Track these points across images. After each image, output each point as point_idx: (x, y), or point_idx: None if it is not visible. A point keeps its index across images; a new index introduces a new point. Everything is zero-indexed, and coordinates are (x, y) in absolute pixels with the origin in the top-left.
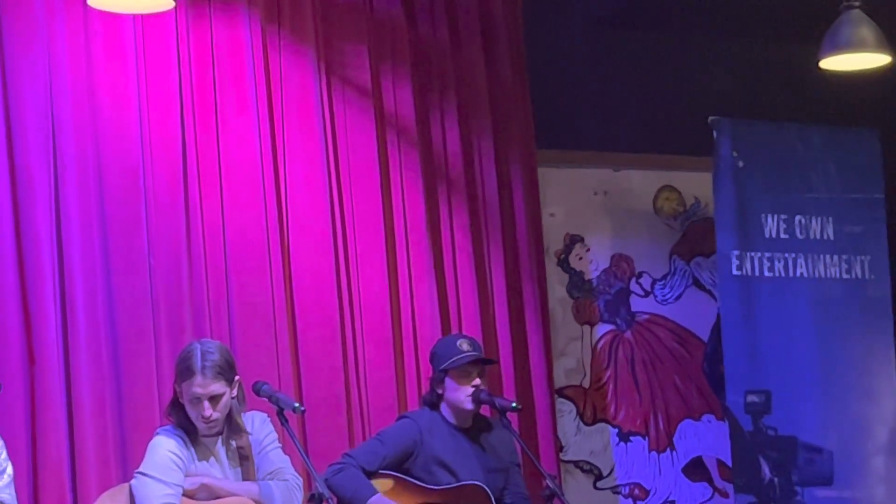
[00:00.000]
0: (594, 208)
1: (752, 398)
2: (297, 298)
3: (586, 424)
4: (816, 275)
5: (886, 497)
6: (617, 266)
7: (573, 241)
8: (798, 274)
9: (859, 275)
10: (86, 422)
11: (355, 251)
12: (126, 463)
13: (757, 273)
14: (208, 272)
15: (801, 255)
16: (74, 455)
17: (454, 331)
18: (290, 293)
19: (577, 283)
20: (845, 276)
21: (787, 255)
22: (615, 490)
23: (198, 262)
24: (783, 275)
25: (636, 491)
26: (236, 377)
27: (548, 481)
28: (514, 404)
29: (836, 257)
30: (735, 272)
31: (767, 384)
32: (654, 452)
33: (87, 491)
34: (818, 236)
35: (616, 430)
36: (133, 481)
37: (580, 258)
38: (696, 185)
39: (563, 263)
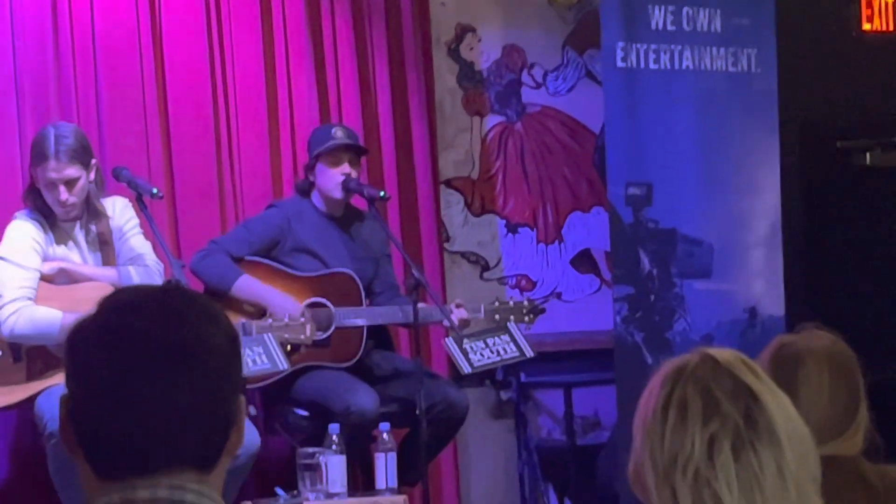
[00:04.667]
0: None
1: (632, 190)
2: (169, 82)
3: (474, 216)
4: (702, 67)
5: (765, 289)
6: (508, 57)
7: (464, 31)
8: (684, 66)
9: (745, 68)
10: None
11: (230, 35)
12: None
13: (642, 65)
14: (76, 54)
15: (687, 48)
16: None
17: (334, 121)
18: (161, 77)
19: (468, 73)
20: (731, 69)
21: (673, 46)
22: (501, 281)
23: (64, 44)
24: (669, 67)
25: (523, 282)
26: (93, 161)
27: (413, 271)
28: (381, 193)
29: (722, 50)
30: (620, 64)
31: (649, 177)
32: (541, 244)
33: None
34: (705, 28)
35: (504, 222)
36: None
37: (471, 48)
38: None
39: (454, 53)
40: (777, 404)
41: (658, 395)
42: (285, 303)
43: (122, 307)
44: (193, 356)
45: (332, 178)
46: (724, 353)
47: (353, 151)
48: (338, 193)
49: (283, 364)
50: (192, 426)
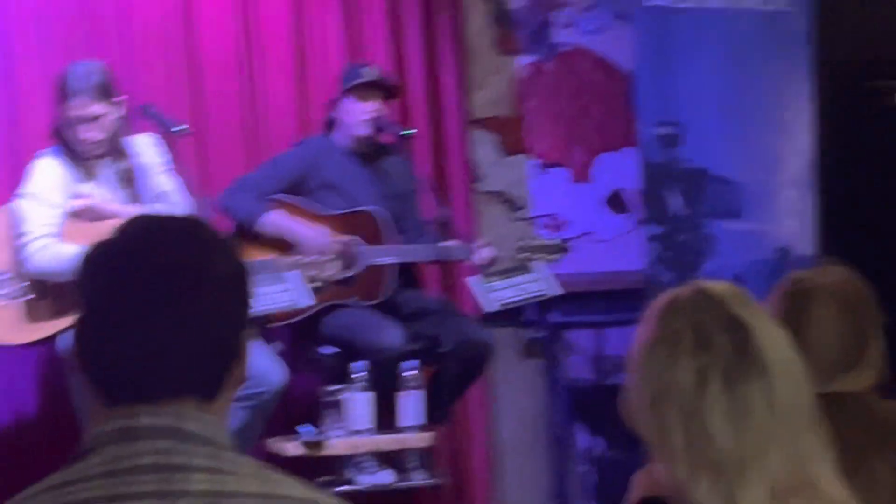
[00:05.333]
0: None
1: (662, 130)
2: (197, 19)
3: (505, 155)
4: (734, 6)
5: (795, 228)
6: None
7: None
8: (714, 5)
9: (777, 5)
10: None
11: None
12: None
13: (671, 3)
14: None
15: None
16: None
17: (363, 59)
18: (189, 14)
19: (499, 13)
20: (763, 7)
21: None
22: (532, 221)
23: None
24: (699, 5)
25: (554, 222)
26: (118, 98)
27: (440, 209)
28: (408, 130)
29: None
30: (649, 2)
31: (679, 116)
32: (573, 184)
33: None
34: None
35: (535, 162)
36: (15, 202)
37: None
38: None
39: None
40: (769, 337)
41: (651, 327)
42: (314, 233)
43: (132, 234)
44: (198, 285)
45: (359, 113)
46: (717, 286)
47: (382, 90)
48: (363, 130)
49: (308, 300)
50: (194, 354)
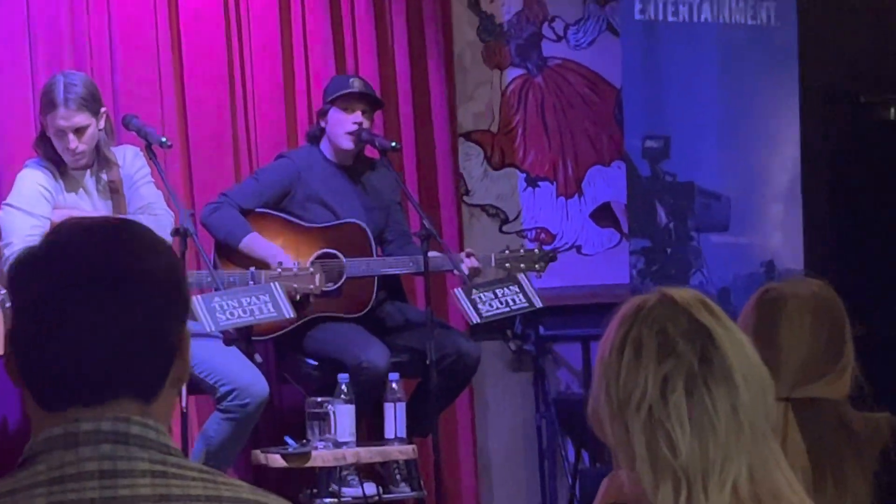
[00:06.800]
0: None
1: (650, 143)
2: (184, 32)
3: (494, 169)
4: (721, 20)
5: (783, 242)
6: (529, 9)
7: None
8: (703, 19)
9: (765, 20)
10: None
11: None
12: (1, 197)
13: (661, 17)
14: (89, 3)
15: (706, 0)
16: None
17: (350, 72)
18: (175, 26)
19: (488, 26)
20: (751, 21)
21: None
22: (521, 234)
23: None
24: (687, 19)
25: (542, 235)
26: (102, 109)
27: (423, 220)
28: (393, 144)
29: (741, 2)
30: (638, 16)
31: (667, 129)
32: (561, 198)
33: None
34: None
35: (524, 175)
36: None
37: (491, 1)
38: None
39: (474, 6)
40: (733, 345)
41: (615, 334)
42: (288, 261)
43: (61, 236)
44: (129, 282)
45: (344, 124)
46: (682, 293)
47: (368, 102)
48: (347, 143)
49: (288, 312)
50: (130, 354)
